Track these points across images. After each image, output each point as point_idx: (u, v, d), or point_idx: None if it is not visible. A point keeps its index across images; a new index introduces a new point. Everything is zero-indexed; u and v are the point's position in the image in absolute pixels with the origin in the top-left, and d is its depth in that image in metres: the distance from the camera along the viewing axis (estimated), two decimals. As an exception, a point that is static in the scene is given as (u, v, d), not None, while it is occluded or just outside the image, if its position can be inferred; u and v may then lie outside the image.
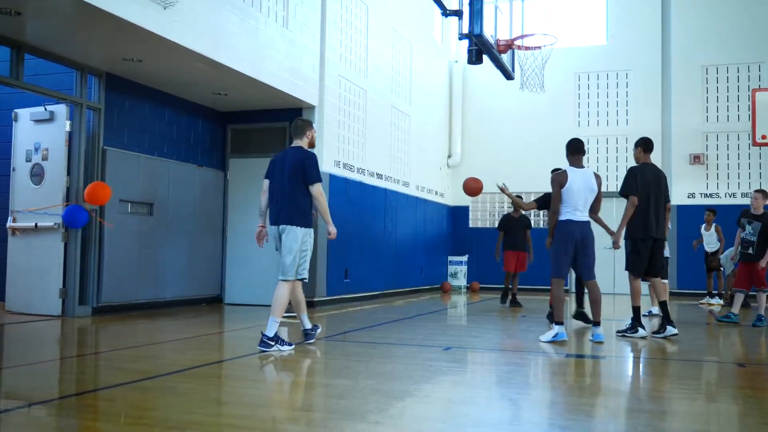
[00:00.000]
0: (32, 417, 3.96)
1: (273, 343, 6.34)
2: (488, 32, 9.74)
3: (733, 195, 15.97)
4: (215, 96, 10.65)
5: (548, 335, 7.31)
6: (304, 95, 10.77)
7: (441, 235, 17.21)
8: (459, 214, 18.05)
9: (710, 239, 13.31)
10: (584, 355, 6.86)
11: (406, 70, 14.85)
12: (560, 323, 7.28)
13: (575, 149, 7.54)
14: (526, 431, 3.84)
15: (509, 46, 10.63)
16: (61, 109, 8.99)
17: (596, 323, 7.47)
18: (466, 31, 9.59)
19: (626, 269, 8.24)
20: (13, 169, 9.37)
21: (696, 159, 16.18)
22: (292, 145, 6.80)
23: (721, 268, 13.46)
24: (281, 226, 6.56)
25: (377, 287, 13.19)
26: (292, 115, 11.26)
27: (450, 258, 17.47)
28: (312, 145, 6.84)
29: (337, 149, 11.76)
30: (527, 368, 6.23)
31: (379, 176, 13.31)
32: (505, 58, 10.79)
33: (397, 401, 4.56)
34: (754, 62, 16.02)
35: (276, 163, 6.73)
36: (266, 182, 6.83)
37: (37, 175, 9.13)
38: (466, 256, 17.47)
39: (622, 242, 8.19)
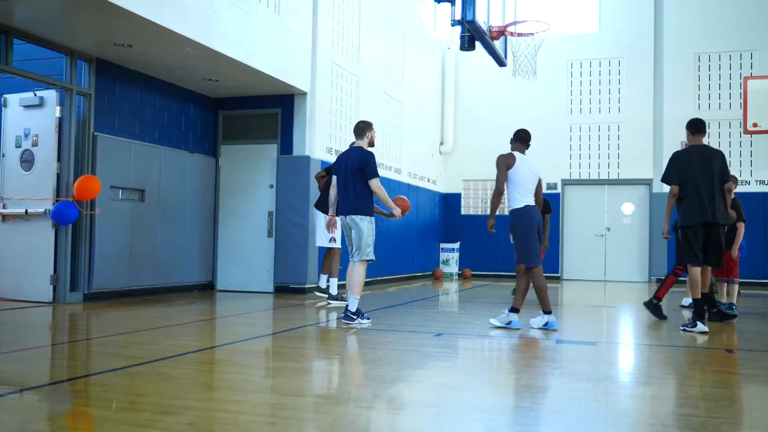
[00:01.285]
0: (24, 402, 3.96)
1: (355, 317, 7.37)
2: (481, 18, 9.72)
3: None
4: (207, 82, 10.60)
5: (537, 322, 7.31)
6: (296, 81, 10.73)
7: (433, 222, 17.24)
8: (451, 201, 18.07)
9: None
10: (576, 341, 6.90)
11: (399, 56, 14.81)
12: (549, 312, 7.22)
13: (521, 138, 7.55)
14: (517, 416, 3.86)
15: (502, 32, 10.61)
16: (51, 95, 8.94)
17: (547, 311, 7.23)
18: (458, 17, 9.56)
19: (685, 261, 7.75)
20: (3, 155, 9.31)
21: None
22: (354, 144, 7.71)
23: None
24: (348, 217, 7.44)
25: (369, 274, 13.11)
26: (284, 102, 11.30)
27: (442, 245, 17.50)
28: (372, 144, 7.70)
29: (330, 136, 11.74)
30: (518, 354, 6.26)
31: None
32: (497, 44, 10.77)
33: (389, 386, 4.58)
34: (746, 50, 16.04)
35: (341, 161, 7.61)
36: (334, 177, 7.65)
37: (27, 161, 9.08)
38: (458, 243, 17.50)
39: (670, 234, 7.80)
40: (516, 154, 7.37)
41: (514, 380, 4.96)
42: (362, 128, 7.65)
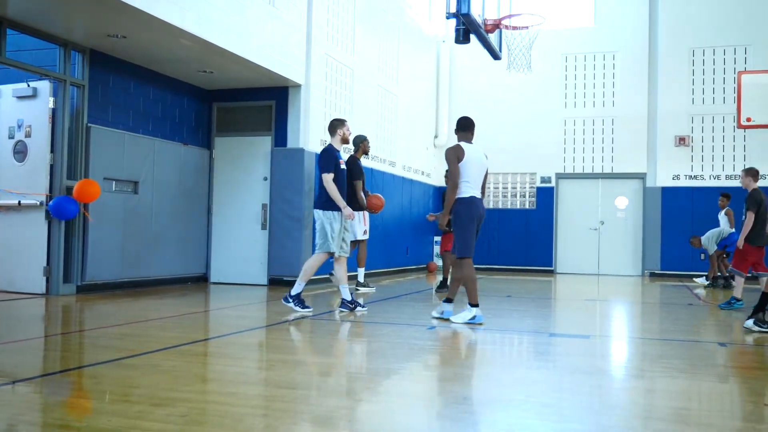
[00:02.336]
0: (17, 394, 3.96)
1: (352, 306, 7.74)
2: (476, 11, 9.70)
3: (718, 177, 16.08)
4: (201, 74, 10.57)
5: (462, 317, 7.09)
6: (290, 74, 10.70)
7: (426, 215, 17.22)
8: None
9: (722, 222, 13.44)
10: (569, 335, 6.91)
11: (394, 49, 14.78)
12: (476, 305, 7.10)
13: (465, 126, 7.36)
14: (510, 408, 3.88)
15: (497, 25, 10.60)
16: (44, 86, 8.89)
17: (474, 305, 7.10)
18: (453, 10, 9.54)
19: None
20: (-4, 146, 9.27)
21: (681, 141, 16.26)
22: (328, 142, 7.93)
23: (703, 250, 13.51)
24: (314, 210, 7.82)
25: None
26: (278, 94, 11.27)
27: (436, 238, 17.50)
28: (345, 140, 7.89)
29: (324, 128, 11.66)
30: (510, 347, 6.28)
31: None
32: (492, 37, 10.76)
33: (382, 379, 4.59)
34: (741, 45, 16.06)
35: None
36: None
37: (21, 152, 9.04)
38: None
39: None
40: (463, 145, 7.21)
41: (507, 373, 4.97)
42: (333, 125, 7.89)
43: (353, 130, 12.72)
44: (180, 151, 10.87)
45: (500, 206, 17.72)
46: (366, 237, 10.52)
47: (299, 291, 7.65)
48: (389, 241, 14.49)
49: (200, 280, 11.40)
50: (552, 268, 17.16)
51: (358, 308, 7.83)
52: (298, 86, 11.11)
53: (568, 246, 17.24)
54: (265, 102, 11.37)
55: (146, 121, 10.28)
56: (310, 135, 11.20)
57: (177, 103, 10.94)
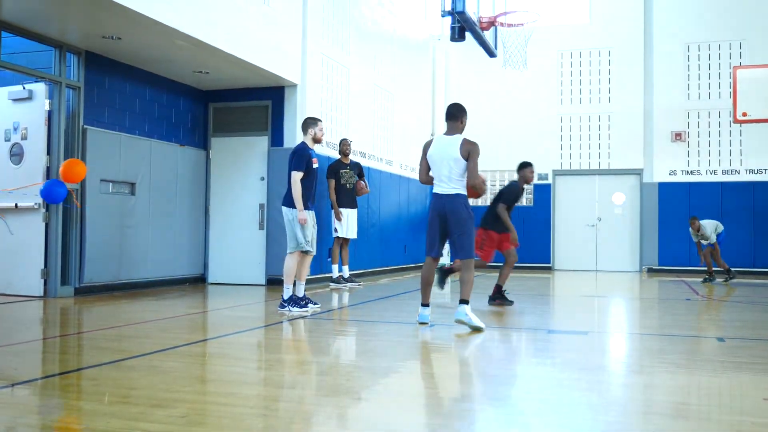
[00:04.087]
0: (16, 397, 3.95)
1: (286, 305, 7.67)
2: (471, 9, 9.71)
3: (714, 172, 16.10)
4: (196, 74, 10.55)
5: (424, 316, 6.78)
6: (286, 73, 10.69)
7: (424, 214, 17.21)
8: (442, 192, 18.03)
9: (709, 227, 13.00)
10: (568, 331, 6.92)
11: (389, 47, 14.77)
12: (426, 305, 6.82)
13: (446, 114, 6.94)
14: (508, 405, 3.88)
15: (492, 23, 10.61)
16: (39, 88, 8.87)
17: (463, 300, 6.57)
18: (448, 8, 9.56)
19: None
20: (-8, 149, 9.25)
21: (677, 136, 16.28)
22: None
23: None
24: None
25: (361, 266, 13.20)
26: (274, 94, 11.25)
27: (434, 236, 17.48)
28: (317, 140, 7.92)
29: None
30: (509, 344, 6.29)
31: (362, 154, 13.27)
32: (487, 35, 10.77)
33: (381, 377, 4.59)
34: (735, 40, 16.08)
35: None
36: None
37: (17, 154, 9.02)
38: (450, 234, 17.50)
39: None
40: (435, 138, 6.89)
41: (506, 370, 4.97)
42: (306, 124, 7.93)
43: (350, 128, 12.80)
44: (176, 151, 10.86)
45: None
46: (344, 235, 11.00)
47: (290, 294, 7.65)
48: (387, 239, 14.49)
49: (198, 281, 11.39)
50: (550, 265, 17.17)
51: (310, 305, 7.75)
52: (294, 86, 11.10)
53: (566, 242, 17.25)
54: (261, 102, 11.36)
55: (142, 122, 10.26)
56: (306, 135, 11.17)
57: (173, 104, 10.93)
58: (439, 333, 6.56)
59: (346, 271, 11.13)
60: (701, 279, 13.32)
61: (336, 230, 10.96)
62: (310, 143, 7.84)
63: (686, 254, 15.74)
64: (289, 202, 7.69)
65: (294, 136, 11.11)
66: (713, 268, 13.12)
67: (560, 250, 17.29)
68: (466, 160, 6.60)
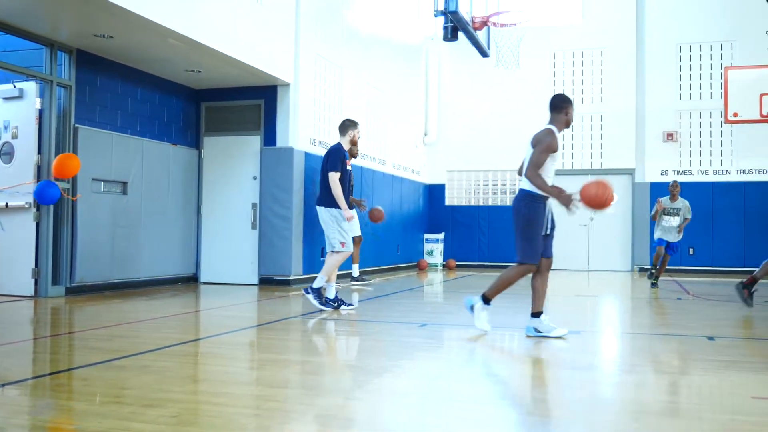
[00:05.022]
0: (6, 397, 3.93)
1: (315, 293, 7.73)
2: (464, 9, 9.72)
3: (705, 172, 16.17)
4: (188, 73, 10.53)
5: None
6: (279, 73, 10.68)
7: (417, 213, 17.25)
8: (435, 191, 18.09)
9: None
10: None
11: (383, 47, 14.77)
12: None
13: (549, 105, 6.36)
14: (500, 405, 3.89)
15: (485, 23, 10.64)
16: (30, 87, 8.84)
17: (534, 313, 6.18)
18: (441, 7, 9.57)
19: None
20: (-17, 148, 9.21)
21: (669, 136, 16.34)
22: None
23: None
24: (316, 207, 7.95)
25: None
26: (267, 93, 11.24)
27: (426, 236, 17.53)
28: (354, 142, 8.02)
29: (313, 127, 11.70)
30: (501, 343, 6.30)
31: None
32: (480, 35, 10.79)
33: (373, 377, 4.59)
34: (727, 40, 16.15)
35: None
36: None
37: (7, 153, 8.98)
38: (443, 233, 17.54)
39: None
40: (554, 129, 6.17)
41: (498, 370, 4.98)
42: (345, 126, 7.98)
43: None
44: (169, 151, 10.83)
45: (490, 203, 17.75)
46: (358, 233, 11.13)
47: (320, 285, 7.70)
48: (380, 239, 14.49)
49: (190, 281, 11.37)
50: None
51: (330, 306, 7.76)
52: (286, 85, 11.09)
53: (558, 242, 17.12)
54: (253, 101, 11.34)
55: (134, 121, 10.23)
56: (299, 134, 11.18)
57: (165, 103, 10.90)
58: (432, 333, 6.56)
59: (356, 270, 11.46)
60: (648, 275, 11.64)
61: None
62: (346, 145, 7.88)
63: (677, 254, 15.79)
64: (324, 201, 7.74)
65: (287, 135, 11.10)
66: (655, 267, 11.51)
67: (553, 249, 17.29)
68: (533, 148, 5.97)
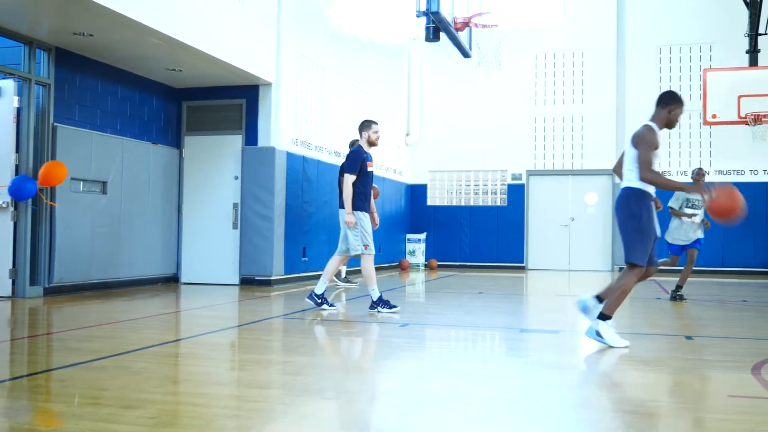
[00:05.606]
0: (-18, 398, 3.89)
1: (376, 306, 7.71)
2: (445, 10, 9.74)
3: (685, 173, 16.30)
4: (170, 72, 10.47)
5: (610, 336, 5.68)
6: (260, 72, 10.65)
7: (399, 213, 17.26)
8: (417, 191, 18.11)
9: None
10: (539, 330, 6.97)
11: (365, 47, 14.76)
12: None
13: (656, 100, 5.96)
14: (481, 405, 3.90)
15: (467, 23, 10.67)
16: (8, 85, 8.73)
17: (602, 315, 5.72)
18: (423, 8, 9.59)
19: None
20: (-41, 147, 9.09)
21: (649, 137, 16.45)
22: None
23: None
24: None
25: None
26: (249, 92, 11.20)
27: (408, 236, 17.55)
28: (372, 143, 7.84)
29: (295, 127, 11.68)
30: (482, 343, 6.32)
31: (338, 154, 13.26)
32: (462, 35, 10.82)
33: (355, 377, 4.59)
34: (706, 43, 16.32)
35: None
36: None
37: (-15, 152, 8.87)
38: (425, 233, 17.57)
39: None
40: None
41: (478, 369, 5.00)
42: (361, 126, 7.93)
43: (325, 127, 12.78)
44: (149, 150, 10.76)
45: (471, 203, 17.80)
46: None
47: (378, 295, 7.73)
48: (361, 239, 14.46)
49: (171, 281, 11.30)
50: (523, 264, 17.29)
51: (326, 307, 7.85)
52: (268, 84, 11.05)
53: (540, 242, 17.38)
54: (235, 100, 11.30)
55: (114, 120, 10.16)
56: (281, 133, 11.15)
57: (146, 102, 10.83)
58: (413, 332, 6.57)
59: (343, 271, 11.24)
60: (671, 295, 9.63)
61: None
62: (365, 146, 7.83)
63: (656, 254, 15.93)
64: (342, 203, 7.83)
65: (268, 135, 11.07)
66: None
67: (534, 249, 17.41)
68: (636, 148, 5.74)
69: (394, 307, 7.71)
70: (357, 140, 10.11)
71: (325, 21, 12.75)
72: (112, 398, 3.81)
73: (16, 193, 8.39)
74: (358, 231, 7.67)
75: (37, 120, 8.88)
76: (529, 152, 17.42)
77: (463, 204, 17.80)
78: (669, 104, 5.79)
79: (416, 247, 17.45)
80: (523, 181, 17.40)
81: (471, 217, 17.61)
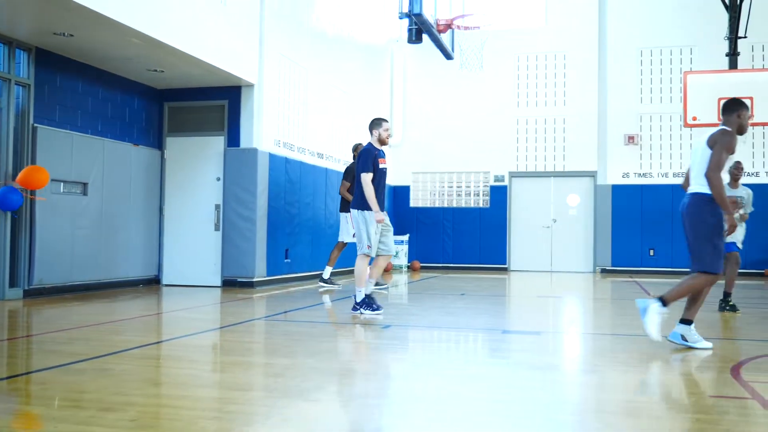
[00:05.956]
0: (-41, 402, 3.84)
1: (359, 308, 7.50)
2: (428, 12, 9.76)
3: (666, 175, 16.46)
4: (151, 73, 10.40)
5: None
6: (243, 73, 10.61)
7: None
8: (400, 193, 18.12)
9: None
10: (521, 331, 7.00)
11: (348, 48, 14.76)
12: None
13: (721, 109, 5.99)
14: (463, 406, 3.90)
15: (449, 25, 10.69)
16: (-13, 85, 8.65)
17: (684, 320, 5.79)
18: (406, 10, 9.60)
19: None
20: (-63, 147, 8.98)
21: (630, 139, 16.60)
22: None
23: None
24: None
25: (318, 267, 13.14)
26: (231, 93, 11.16)
27: (396, 238, 17.51)
28: (383, 141, 7.77)
29: (277, 128, 11.65)
30: (465, 344, 6.33)
31: (320, 155, 13.25)
32: (444, 37, 10.84)
33: (337, 379, 4.58)
34: (686, 45, 16.47)
35: None
36: None
37: (-37, 153, 8.77)
38: (407, 235, 17.57)
39: None
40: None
41: (460, 370, 5.01)
42: (371, 125, 7.84)
43: (308, 128, 12.76)
44: (130, 151, 10.69)
45: (454, 205, 17.84)
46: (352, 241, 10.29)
47: (362, 297, 7.53)
48: (344, 240, 14.45)
49: (152, 283, 11.23)
50: (506, 266, 17.35)
51: (369, 312, 7.50)
52: (251, 85, 11.02)
53: (522, 244, 17.45)
54: (217, 101, 11.25)
55: (95, 121, 10.08)
56: (263, 135, 11.12)
57: (127, 103, 10.75)
58: (395, 334, 6.57)
59: (328, 272, 11.17)
60: (720, 306, 8.32)
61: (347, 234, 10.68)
62: (376, 144, 7.75)
63: (638, 255, 16.08)
64: (358, 204, 7.63)
65: (251, 136, 11.03)
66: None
67: (516, 251, 17.47)
68: (711, 148, 5.61)
69: (378, 309, 7.53)
70: (360, 144, 10.24)
71: (308, 22, 12.73)
72: (92, 401, 3.77)
73: (2, 205, 8.31)
74: (363, 229, 7.55)
75: (17, 120, 8.80)
76: (511, 154, 17.49)
77: (446, 205, 17.84)
78: (737, 109, 5.82)
79: (399, 249, 17.45)
80: (506, 182, 17.47)
81: (454, 219, 17.65)
